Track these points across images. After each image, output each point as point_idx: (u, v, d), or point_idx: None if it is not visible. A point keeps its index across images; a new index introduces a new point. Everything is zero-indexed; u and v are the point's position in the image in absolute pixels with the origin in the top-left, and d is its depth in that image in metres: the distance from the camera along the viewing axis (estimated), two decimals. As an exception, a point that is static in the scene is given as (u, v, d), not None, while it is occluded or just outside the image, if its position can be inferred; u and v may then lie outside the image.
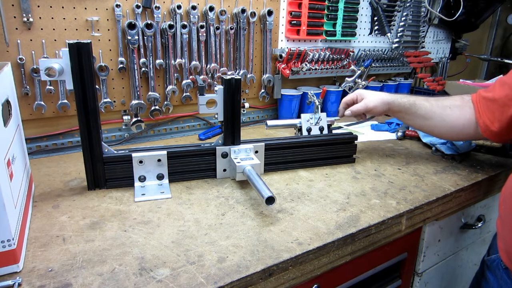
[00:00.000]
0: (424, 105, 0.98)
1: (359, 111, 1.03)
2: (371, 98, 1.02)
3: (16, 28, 1.00)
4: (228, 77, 0.88)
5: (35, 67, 1.04)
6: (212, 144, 0.94)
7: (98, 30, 1.11)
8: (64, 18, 1.05)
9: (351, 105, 1.08)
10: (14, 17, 0.99)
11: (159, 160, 0.89)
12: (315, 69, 1.52)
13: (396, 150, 1.22)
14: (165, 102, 1.28)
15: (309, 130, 1.14)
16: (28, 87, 1.05)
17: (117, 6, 1.10)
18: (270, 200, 0.75)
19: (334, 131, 1.22)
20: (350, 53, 1.61)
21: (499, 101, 0.86)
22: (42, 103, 1.08)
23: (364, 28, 1.72)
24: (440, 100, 0.98)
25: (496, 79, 0.97)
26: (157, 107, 1.26)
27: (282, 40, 1.49)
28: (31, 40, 1.02)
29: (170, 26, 1.19)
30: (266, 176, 0.99)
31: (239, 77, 0.89)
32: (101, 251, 0.65)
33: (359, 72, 1.46)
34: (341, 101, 1.59)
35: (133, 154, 0.87)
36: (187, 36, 1.24)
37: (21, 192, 0.71)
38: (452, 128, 0.96)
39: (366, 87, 1.57)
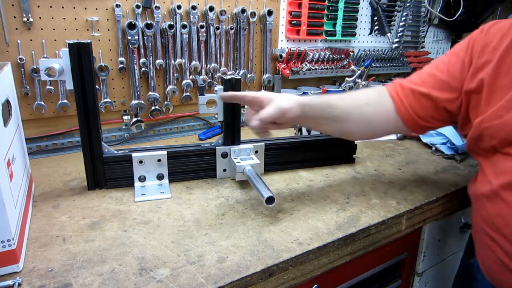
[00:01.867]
0: (339, 106, 0.83)
1: (272, 117, 0.74)
2: (283, 100, 0.77)
3: (16, 28, 1.00)
4: (228, 77, 0.88)
5: (35, 67, 1.04)
6: (212, 144, 0.94)
7: (98, 30, 1.11)
8: (64, 18, 1.05)
9: (255, 109, 0.80)
10: (14, 17, 0.99)
11: (159, 160, 0.89)
12: (315, 69, 1.52)
13: (396, 150, 1.22)
14: (165, 102, 1.28)
15: (309, 130, 1.14)
16: (28, 87, 1.05)
17: (117, 6, 1.10)
18: (270, 200, 0.74)
19: (334, 131, 1.22)
20: (350, 53, 1.61)
21: (438, 101, 0.79)
22: (42, 103, 1.08)
23: (364, 28, 1.72)
24: (355, 96, 0.86)
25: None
26: (157, 107, 1.26)
27: (282, 40, 1.49)
28: (31, 40, 1.02)
29: (170, 26, 1.19)
30: (266, 176, 0.99)
31: (239, 77, 0.89)
32: (101, 251, 0.65)
33: (359, 72, 1.47)
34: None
35: (133, 154, 0.87)
36: (187, 36, 1.24)
37: (21, 192, 0.71)
38: (373, 126, 0.86)
39: (366, 87, 1.57)
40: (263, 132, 0.80)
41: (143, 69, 1.19)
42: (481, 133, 0.73)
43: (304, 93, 1.50)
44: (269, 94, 0.79)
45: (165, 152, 0.89)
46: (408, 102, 0.82)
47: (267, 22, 1.38)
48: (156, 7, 1.15)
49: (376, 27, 1.74)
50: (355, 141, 1.08)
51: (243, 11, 1.31)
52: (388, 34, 1.74)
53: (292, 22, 1.47)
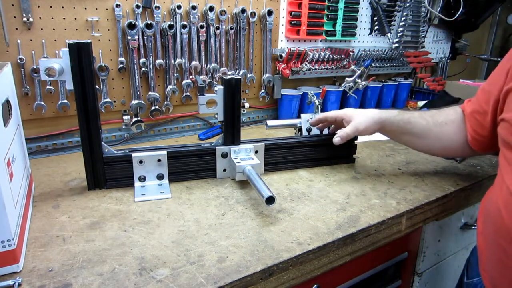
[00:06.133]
0: (420, 123, 0.90)
1: (349, 136, 0.92)
2: (360, 120, 0.91)
3: (16, 28, 1.00)
4: (228, 77, 0.88)
5: (35, 67, 1.04)
6: (212, 144, 0.94)
7: (98, 30, 1.11)
8: (64, 18, 1.05)
9: (332, 124, 1.01)
10: (14, 17, 0.99)
11: (159, 160, 0.89)
12: (315, 69, 1.52)
13: (396, 150, 1.22)
14: (165, 102, 1.28)
15: (309, 130, 1.14)
16: (28, 87, 1.05)
17: (117, 6, 1.10)
18: (270, 200, 0.75)
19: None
20: (350, 53, 1.61)
21: (480, 109, 0.82)
22: (42, 103, 1.08)
23: (364, 28, 1.72)
24: (435, 115, 0.91)
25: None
26: (157, 107, 1.26)
27: (282, 40, 1.49)
28: (31, 40, 1.02)
29: (170, 26, 1.19)
30: (266, 176, 0.99)
31: (239, 77, 0.89)
32: (101, 251, 0.65)
33: (359, 72, 1.46)
34: (341, 103, 1.61)
35: (133, 154, 0.87)
36: (187, 36, 1.24)
37: (21, 192, 0.71)
38: (449, 145, 0.90)
39: (366, 87, 1.57)
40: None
41: (143, 69, 1.19)
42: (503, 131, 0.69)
43: (304, 93, 1.50)
44: (349, 113, 0.93)
45: (165, 152, 0.89)
46: (470, 124, 0.85)
47: (267, 22, 1.38)
48: (156, 7, 1.15)
49: (376, 27, 1.74)
50: (355, 142, 1.08)
51: (243, 11, 1.31)
52: (388, 34, 1.74)
53: (292, 22, 1.47)
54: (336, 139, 0.91)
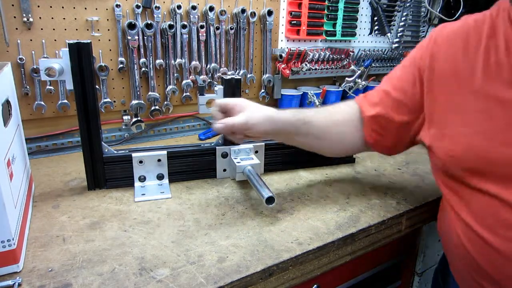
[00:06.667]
0: (318, 122, 0.80)
1: (235, 126, 0.70)
2: (253, 114, 0.72)
3: (16, 28, 1.00)
4: (228, 77, 0.88)
5: (35, 67, 1.04)
6: (212, 144, 0.94)
7: (98, 30, 1.11)
8: (64, 18, 1.05)
9: (225, 112, 0.75)
10: (14, 17, 0.99)
11: (159, 160, 0.89)
12: (315, 69, 1.52)
13: (396, 150, 1.22)
14: (165, 102, 1.28)
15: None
16: (28, 87, 1.05)
17: (117, 6, 1.10)
18: (270, 200, 0.75)
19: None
20: (350, 53, 1.61)
21: (387, 115, 0.77)
22: (42, 103, 1.08)
23: (364, 28, 1.72)
24: (332, 113, 0.83)
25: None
26: (157, 107, 1.26)
27: (282, 40, 1.49)
28: (31, 40, 1.02)
29: (170, 26, 1.19)
30: (266, 176, 0.99)
31: (239, 77, 0.89)
32: (101, 251, 0.65)
33: (359, 72, 1.47)
34: (341, 101, 1.61)
35: (133, 154, 0.87)
36: (187, 36, 1.24)
37: (21, 192, 0.71)
38: (348, 144, 0.84)
39: (366, 87, 1.57)
40: (235, 139, 0.76)
41: (143, 69, 1.19)
42: (444, 160, 0.66)
43: (304, 93, 1.50)
44: (244, 103, 0.74)
45: (165, 152, 0.89)
46: (372, 127, 0.80)
47: (267, 22, 1.38)
48: (156, 7, 1.15)
49: (376, 27, 1.74)
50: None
51: (243, 11, 1.31)
52: (388, 34, 1.74)
53: (292, 22, 1.47)
54: (218, 125, 0.70)
